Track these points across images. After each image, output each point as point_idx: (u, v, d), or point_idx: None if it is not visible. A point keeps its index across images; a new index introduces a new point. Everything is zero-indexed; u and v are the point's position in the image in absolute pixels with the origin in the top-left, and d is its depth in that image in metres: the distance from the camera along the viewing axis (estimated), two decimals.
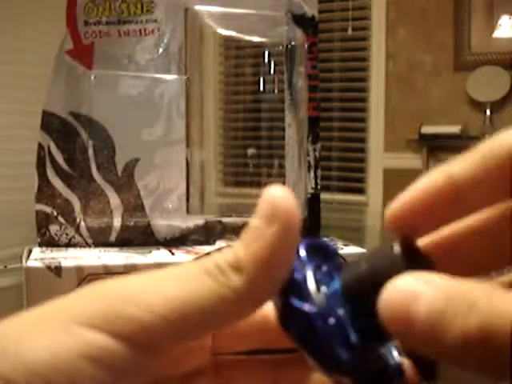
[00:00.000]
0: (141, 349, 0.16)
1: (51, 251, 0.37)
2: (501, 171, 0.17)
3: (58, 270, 0.33)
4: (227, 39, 0.42)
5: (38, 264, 0.33)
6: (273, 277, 0.17)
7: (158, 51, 0.40)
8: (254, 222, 0.18)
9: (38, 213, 0.38)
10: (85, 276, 0.33)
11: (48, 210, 0.39)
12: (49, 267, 0.33)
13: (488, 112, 2.68)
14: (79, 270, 0.33)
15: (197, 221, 0.40)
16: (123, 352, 0.15)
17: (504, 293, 0.14)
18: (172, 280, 0.17)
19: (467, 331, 0.14)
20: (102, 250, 0.38)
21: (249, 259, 0.17)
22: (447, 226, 0.20)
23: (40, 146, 0.38)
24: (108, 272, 0.34)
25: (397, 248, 0.18)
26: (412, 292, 0.15)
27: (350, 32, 2.95)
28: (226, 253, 0.17)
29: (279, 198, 0.18)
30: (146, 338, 0.16)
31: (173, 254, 0.37)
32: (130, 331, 0.15)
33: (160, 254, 0.37)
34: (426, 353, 0.15)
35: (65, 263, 0.33)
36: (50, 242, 0.38)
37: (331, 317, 0.17)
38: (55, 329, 0.15)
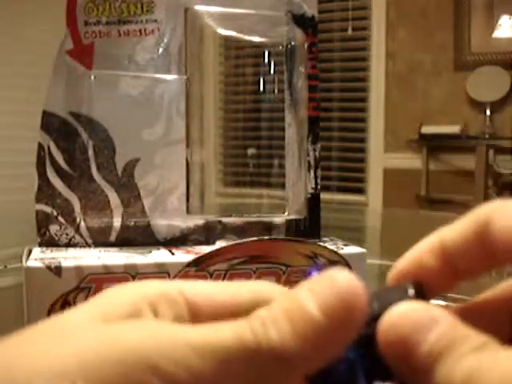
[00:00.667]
0: None
1: (51, 251, 0.37)
2: (483, 241, 0.18)
3: (57, 270, 0.33)
4: (227, 39, 0.42)
5: (38, 264, 0.33)
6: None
7: (158, 51, 0.40)
8: (313, 312, 0.16)
9: (37, 213, 0.38)
10: (85, 276, 0.33)
11: (48, 209, 0.39)
12: (49, 267, 0.33)
13: (488, 112, 2.68)
14: (79, 269, 0.33)
15: (197, 221, 0.40)
16: None
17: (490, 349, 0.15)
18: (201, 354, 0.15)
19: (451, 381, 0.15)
20: (102, 249, 0.38)
21: (295, 350, 0.16)
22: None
23: (40, 146, 0.38)
24: (108, 272, 0.34)
25: (411, 291, 0.18)
26: (422, 325, 0.16)
27: (350, 32, 2.95)
28: (270, 331, 0.16)
29: (349, 292, 0.16)
30: None
31: (173, 253, 0.37)
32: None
33: (160, 254, 0.37)
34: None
35: (65, 263, 0.33)
36: (50, 242, 0.38)
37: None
38: None
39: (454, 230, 0.19)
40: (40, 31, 2.70)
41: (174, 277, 0.34)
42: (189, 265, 0.35)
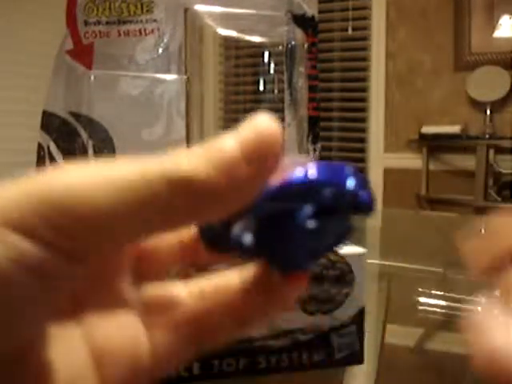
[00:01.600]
0: (62, 254, 0.14)
1: None
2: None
3: None
4: (227, 39, 0.42)
5: None
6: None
7: (157, 51, 0.40)
8: (231, 146, 0.16)
9: None
10: None
11: None
12: None
13: (488, 112, 2.68)
14: None
15: None
16: (42, 256, 0.14)
17: None
18: (105, 181, 0.15)
19: None
20: None
21: (207, 178, 0.15)
22: None
23: (40, 146, 0.38)
24: None
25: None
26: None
27: (350, 32, 2.95)
28: (182, 162, 0.16)
29: (266, 134, 0.16)
30: (67, 243, 0.14)
31: None
32: (48, 235, 0.14)
33: None
34: None
35: None
36: None
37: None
38: None
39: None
40: (40, 31, 2.70)
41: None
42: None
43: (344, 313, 0.37)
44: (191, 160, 0.16)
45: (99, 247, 0.15)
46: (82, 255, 0.15)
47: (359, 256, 0.39)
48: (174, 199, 0.15)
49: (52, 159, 0.39)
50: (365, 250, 0.39)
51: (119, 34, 0.39)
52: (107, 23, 0.39)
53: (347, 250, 0.38)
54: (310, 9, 0.42)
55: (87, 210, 0.14)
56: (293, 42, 0.42)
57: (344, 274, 0.37)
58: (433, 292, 0.60)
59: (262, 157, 0.16)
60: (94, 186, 0.15)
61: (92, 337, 0.18)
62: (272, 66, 0.45)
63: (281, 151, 0.16)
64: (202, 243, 0.19)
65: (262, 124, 0.16)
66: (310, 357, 0.37)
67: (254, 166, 0.16)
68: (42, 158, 0.39)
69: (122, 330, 0.19)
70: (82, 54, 0.39)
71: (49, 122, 0.39)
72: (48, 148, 0.39)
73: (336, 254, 0.37)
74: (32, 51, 2.64)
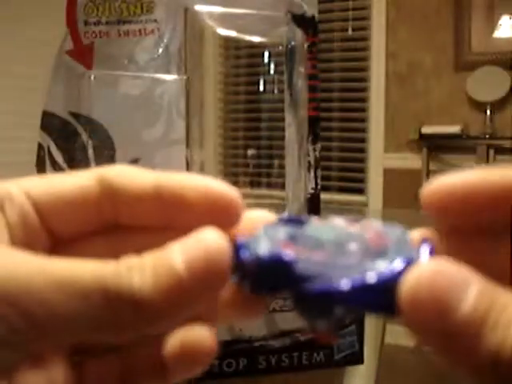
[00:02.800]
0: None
1: None
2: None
3: None
4: (227, 39, 0.42)
5: None
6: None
7: (157, 51, 0.40)
8: (179, 265, 0.16)
9: None
10: None
11: None
12: None
13: (488, 112, 2.68)
14: None
15: None
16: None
17: None
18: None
19: (502, 351, 0.13)
20: None
21: (153, 300, 0.16)
22: None
23: (40, 146, 0.38)
24: None
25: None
26: (460, 282, 0.14)
27: (350, 32, 2.95)
28: (134, 277, 0.16)
29: (214, 252, 0.16)
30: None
31: None
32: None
33: None
34: (441, 351, 0.14)
35: None
36: None
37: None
38: None
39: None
40: (40, 31, 2.69)
41: None
42: None
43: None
44: (142, 279, 0.16)
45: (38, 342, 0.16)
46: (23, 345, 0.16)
47: None
48: (110, 313, 0.16)
49: (52, 159, 0.39)
50: None
51: (119, 34, 0.39)
52: (107, 23, 0.39)
53: None
54: (310, 9, 0.42)
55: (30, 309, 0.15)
56: (293, 42, 0.42)
57: None
58: None
59: (208, 276, 0.16)
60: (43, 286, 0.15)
61: None
62: (272, 66, 0.45)
63: (227, 268, 0.16)
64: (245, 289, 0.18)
65: (209, 241, 0.16)
66: (310, 357, 0.37)
67: (199, 286, 0.16)
68: (42, 158, 0.39)
69: None
70: (82, 54, 0.39)
71: (49, 122, 0.39)
72: (48, 148, 0.39)
73: None
74: (31, 51, 2.64)
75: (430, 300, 0.14)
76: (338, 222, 0.18)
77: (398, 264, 0.16)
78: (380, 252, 0.17)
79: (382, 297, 0.16)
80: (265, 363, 0.36)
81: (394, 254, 0.17)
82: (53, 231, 0.19)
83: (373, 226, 0.18)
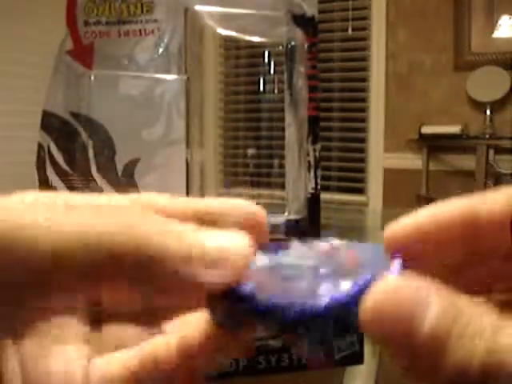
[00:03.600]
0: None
1: None
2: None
3: None
4: (227, 39, 0.42)
5: None
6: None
7: (157, 51, 0.40)
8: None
9: None
10: None
11: None
12: None
13: (488, 112, 2.68)
14: None
15: None
16: None
17: (509, 326, 0.14)
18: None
19: (468, 363, 0.13)
20: None
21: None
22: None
23: (40, 146, 0.39)
24: None
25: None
26: (421, 297, 0.14)
27: (350, 32, 2.95)
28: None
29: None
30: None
31: None
32: None
33: None
34: (410, 366, 0.14)
35: None
36: None
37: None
38: None
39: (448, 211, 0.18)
40: (40, 31, 2.70)
41: None
42: None
43: None
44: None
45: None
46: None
47: None
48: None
49: (52, 159, 0.39)
50: None
51: (119, 34, 0.39)
52: (107, 23, 0.39)
53: None
54: (310, 9, 0.42)
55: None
56: (293, 42, 0.42)
57: None
58: None
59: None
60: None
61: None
62: (272, 66, 0.45)
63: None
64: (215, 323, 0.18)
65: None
66: (310, 357, 0.37)
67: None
68: (42, 158, 0.39)
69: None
70: (82, 54, 0.39)
71: (49, 122, 0.39)
72: (48, 148, 0.39)
73: None
74: (31, 51, 2.64)
75: (392, 317, 0.14)
76: (317, 246, 0.19)
77: (363, 281, 0.16)
78: (354, 271, 0.17)
79: (349, 312, 0.16)
80: (265, 363, 0.36)
81: (366, 271, 0.17)
82: None
83: (350, 247, 0.19)
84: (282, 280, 0.17)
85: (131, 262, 0.16)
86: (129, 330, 0.20)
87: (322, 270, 0.18)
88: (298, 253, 0.19)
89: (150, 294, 0.18)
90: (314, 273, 0.17)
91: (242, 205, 0.21)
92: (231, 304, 0.17)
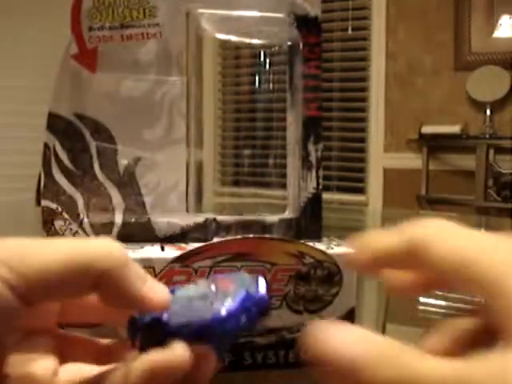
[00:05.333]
0: (20, 298, 0.20)
1: None
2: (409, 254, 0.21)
3: None
4: (228, 40, 0.43)
5: None
6: None
7: (159, 54, 0.40)
8: None
9: (43, 209, 0.39)
10: None
11: (53, 206, 0.40)
12: None
13: (488, 112, 2.68)
14: None
15: (196, 219, 0.41)
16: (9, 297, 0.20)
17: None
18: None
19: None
20: None
21: None
22: None
23: (46, 146, 0.39)
24: None
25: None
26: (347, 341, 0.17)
27: (350, 32, 2.96)
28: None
29: None
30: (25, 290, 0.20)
31: (163, 249, 0.37)
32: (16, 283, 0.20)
33: (150, 250, 0.37)
34: None
35: None
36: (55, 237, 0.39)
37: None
38: None
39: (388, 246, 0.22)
40: (40, 31, 2.70)
41: (160, 272, 0.35)
42: (174, 261, 0.35)
43: (332, 313, 0.37)
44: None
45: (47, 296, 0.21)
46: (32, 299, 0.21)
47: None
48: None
49: (57, 158, 0.40)
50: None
51: (122, 39, 0.40)
52: (110, 28, 0.39)
53: (337, 249, 0.38)
54: (313, 9, 0.42)
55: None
56: (295, 42, 0.42)
57: (332, 275, 0.38)
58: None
59: None
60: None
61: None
62: (273, 65, 0.45)
63: None
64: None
65: None
66: (297, 355, 0.37)
67: None
68: (48, 158, 0.39)
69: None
70: (87, 57, 0.39)
71: (54, 123, 0.39)
72: (54, 148, 0.39)
73: (324, 253, 0.37)
74: (37, 53, 2.64)
75: (326, 359, 0.17)
76: (201, 283, 0.25)
77: (240, 297, 0.23)
78: (229, 292, 0.23)
79: (237, 322, 0.22)
80: (250, 360, 0.37)
81: (240, 290, 0.23)
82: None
83: (224, 276, 0.25)
84: (185, 307, 0.23)
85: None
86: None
87: (212, 295, 0.23)
88: (194, 287, 0.25)
89: None
90: (206, 298, 0.23)
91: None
92: (150, 328, 0.23)
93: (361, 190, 3.03)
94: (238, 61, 3.22)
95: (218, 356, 0.23)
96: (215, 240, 0.37)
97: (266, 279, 0.24)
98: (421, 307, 0.57)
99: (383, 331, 0.57)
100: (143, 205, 0.40)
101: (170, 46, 0.40)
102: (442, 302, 0.56)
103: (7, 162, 2.60)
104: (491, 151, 2.61)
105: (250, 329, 0.23)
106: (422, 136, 2.76)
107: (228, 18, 0.42)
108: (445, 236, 0.20)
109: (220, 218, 0.41)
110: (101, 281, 0.21)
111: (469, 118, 2.75)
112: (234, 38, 0.43)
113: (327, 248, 0.38)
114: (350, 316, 0.38)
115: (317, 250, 0.37)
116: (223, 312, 0.22)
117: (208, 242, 0.36)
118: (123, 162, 0.40)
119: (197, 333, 0.22)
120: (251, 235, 0.38)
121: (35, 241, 0.22)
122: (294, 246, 0.37)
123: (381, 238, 0.22)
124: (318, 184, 0.42)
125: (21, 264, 0.20)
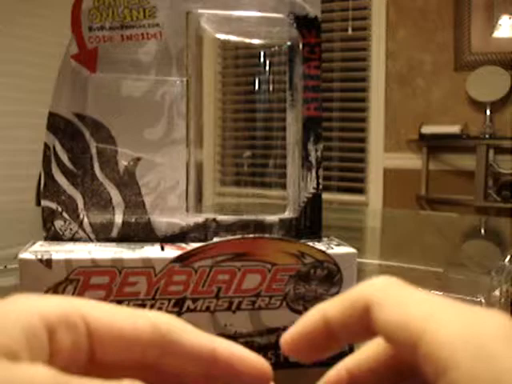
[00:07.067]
0: None
1: (50, 245, 0.37)
2: (361, 317, 0.20)
3: (48, 262, 0.34)
4: (228, 41, 0.43)
5: (31, 256, 0.34)
6: None
7: (159, 54, 0.40)
8: None
9: (43, 209, 0.39)
10: (74, 269, 0.34)
11: (53, 206, 0.40)
12: (40, 259, 0.34)
13: (488, 112, 2.68)
14: (68, 262, 0.34)
15: (196, 219, 0.41)
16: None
17: None
18: None
19: None
20: (99, 244, 0.39)
21: None
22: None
23: (46, 146, 0.39)
24: (95, 265, 0.34)
25: None
26: None
27: (350, 32, 2.96)
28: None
29: None
30: None
31: (163, 249, 0.37)
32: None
33: (150, 250, 0.37)
34: None
35: (55, 256, 0.34)
36: (54, 237, 0.39)
37: None
38: None
39: (335, 308, 0.21)
40: (40, 31, 2.70)
41: (160, 272, 0.35)
42: (173, 261, 0.35)
43: None
44: None
45: None
46: None
47: (349, 256, 0.39)
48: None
49: (57, 158, 0.40)
50: (355, 250, 0.39)
51: (122, 39, 0.40)
52: (110, 28, 0.39)
53: (337, 249, 0.39)
54: (313, 9, 0.42)
55: None
56: (295, 43, 0.42)
57: (332, 274, 0.38)
58: (433, 292, 0.60)
59: None
60: None
61: None
62: (273, 66, 0.45)
63: None
64: None
65: None
66: None
67: None
68: (48, 157, 0.39)
69: None
70: (87, 58, 0.39)
71: (54, 123, 0.39)
72: (54, 148, 0.39)
73: (324, 253, 0.37)
74: (38, 54, 2.64)
75: None
76: None
77: None
78: None
79: None
80: None
81: None
82: (95, 356, 0.19)
83: None
84: None
85: None
86: None
87: None
88: None
89: None
90: None
91: (250, 359, 0.21)
92: None
93: (361, 190, 3.04)
94: (238, 61, 3.22)
95: None
96: (215, 240, 0.37)
97: None
98: None
99: None
100: (143, 205, 0.40)
101: (170, 46, 0.40)
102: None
103: (7, 162, 2.60)
104: (491, 151, 2.61)
105: None
106: (421, 136, 2.77)
107: (228, 18, 0.42)
108: (390, 300, 0.19)
109: (220, 217, 0.41)
110: None
111: (469, 118, 2.75)
112: (234, 38, 0.43)
113: (327, 248, 0.38)
114: None
115: (317, 250, 0.38)
116: None
117: (208, 242, 0.36)
118: (123, 162, 0.40)
119: None
120: (251, 235, 0.38)
121: None
122: (294, 246, 0.37)
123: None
124: (317, 184, 0.42)
125: None
